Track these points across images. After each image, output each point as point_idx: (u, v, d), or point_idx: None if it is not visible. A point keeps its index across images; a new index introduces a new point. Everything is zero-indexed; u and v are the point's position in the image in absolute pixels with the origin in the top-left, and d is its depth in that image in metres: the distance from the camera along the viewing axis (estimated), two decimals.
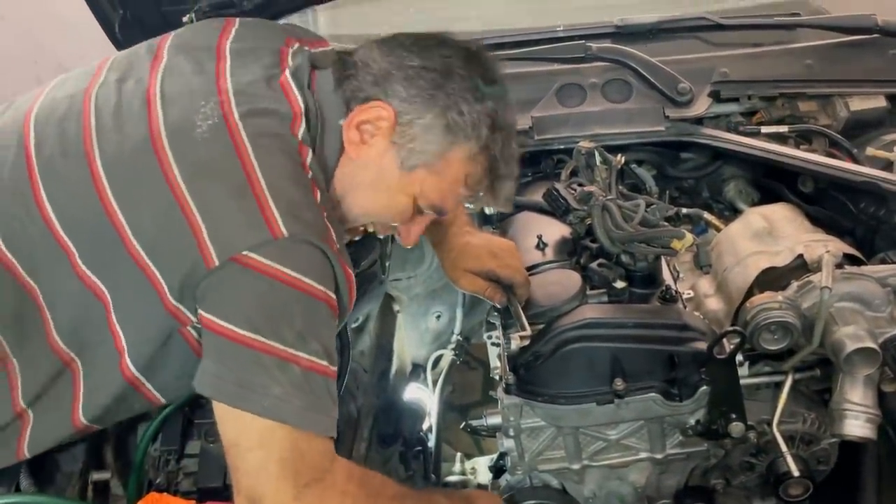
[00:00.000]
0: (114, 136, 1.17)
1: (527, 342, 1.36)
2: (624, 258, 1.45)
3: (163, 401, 1.30)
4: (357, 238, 1.45)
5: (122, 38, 1.67)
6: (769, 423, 1.40)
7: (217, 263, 1.09)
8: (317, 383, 1.13)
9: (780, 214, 1.61)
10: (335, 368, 1.16)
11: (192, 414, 1.45)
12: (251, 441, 1.11)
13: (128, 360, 1.19)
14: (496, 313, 1.54)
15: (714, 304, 1.52)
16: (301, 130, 1.20)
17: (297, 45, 1.35)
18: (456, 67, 1.24)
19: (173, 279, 1.13)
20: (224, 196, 1.11)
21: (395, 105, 1.22)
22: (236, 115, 1.16)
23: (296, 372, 1.10)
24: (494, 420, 1.43)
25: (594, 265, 1.47)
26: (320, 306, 1.13)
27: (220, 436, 1.14)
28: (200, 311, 1.12)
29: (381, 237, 1.81)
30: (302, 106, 1.22)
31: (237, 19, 1.39)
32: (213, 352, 1.12)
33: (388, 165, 1.24)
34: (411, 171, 1.24)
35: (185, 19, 1.57)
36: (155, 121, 1.17)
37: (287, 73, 1.25)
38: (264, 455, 1.10)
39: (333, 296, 1.16)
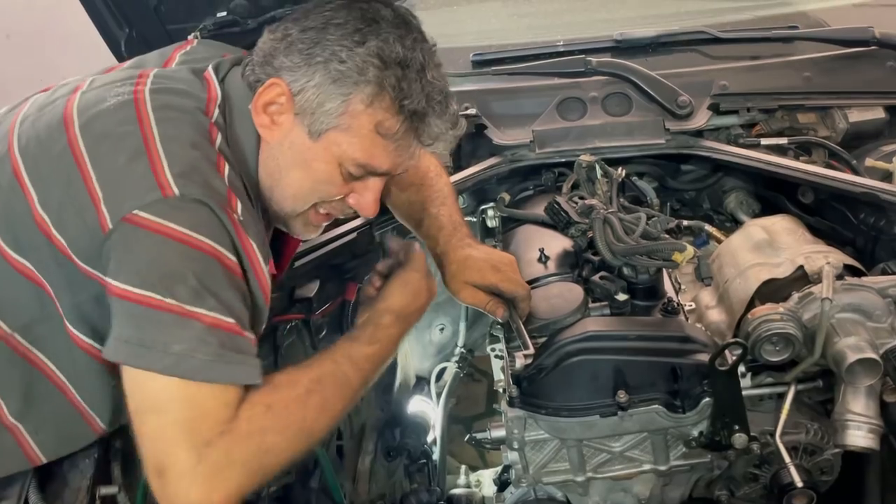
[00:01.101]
0: (33, 119, 1.22)
1: (530, 360, 1.37)
2: (626, 271, 1.46)
3: None
4: (323, 225, 1.40)
5: (127, 56, 1.67)
6: (772, 434, 1.40)
7: (111, 226, 1.09)
8: (222, 337, 1.09)
9: (781, 226, 1.62)
10: (244, 328, 1.12)
11: None
12: (150, 404, 1.08)
13: (71, 328, 1.20)
14: (499, 326, 1.55)
15: (716, 315, 1.53)
16: (215, 114, 1.21)
17: (243, 54, 1.37)
18: (332, 20, 1.22)
19: (79, 246, 1.14)
20: (120, 161, 1.12)
21: (285, 77, 1.22)
22: (147, 91, 1.18)
23: (197, 327, 1.07)
24: (498, 433, 1.44)
25: (596, 278, 1.48)
26: (214, 263, 1.11)
27: (128, 406, 1.11)
28: (105, 277, 1.12)
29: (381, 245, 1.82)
30: (218, 93, 1.24)
31: (200, 40, 1.43)
32: (115, 315, 1.10)
33: (298, 138, 1.23)
34: (321, 136, 1.22)
35: (190, 38, 1.59)
36: (71, 102, 1.20)
37: (210, 66, 1.28)
38: (158, 419, 1.07)
39: (232, 256, 1.13)
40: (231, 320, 1.10)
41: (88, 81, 1.27)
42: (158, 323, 1.07)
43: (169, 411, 1.07)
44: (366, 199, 1.30)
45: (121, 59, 1.69)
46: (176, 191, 1.09)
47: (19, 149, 1.19)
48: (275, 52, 1.24)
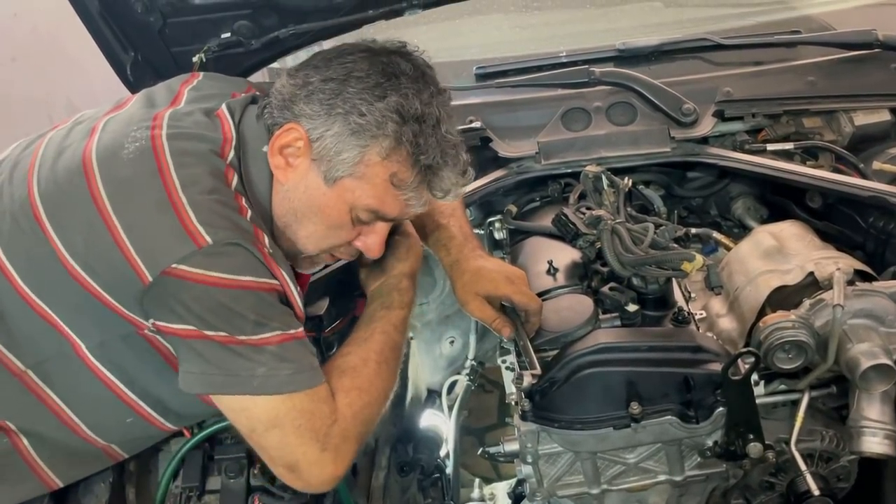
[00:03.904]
0: (51, 163, 1.24)
1: (537, 380, 1.37)
2: (635, 281, 1.46)
3: (164, 421, 1.33)
4: (323, 266, 1.48)
5: (133, 79, 1.69)
6: (787, 442, 1.39)
7: (151, 279, 1.14)
8: (292, 348, 1.21)
9: (790, 232, 1.61)
10: (301, 328, 1.23)
11: (212, 450, 1.46)
12: (263, 423, 1.20)
13: (96, 364, 1.24)
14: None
15: (727, 323, 1.53)
16: (230, 156, 1.25)
17: (252, 92, 1.40)
18: (354, 71, 1.25)
19: (114, 291, 1.18)
20: (146, 212, 1.16)
21: (304, 124, 1.26)
22: (164, 137, 1.21)
23: (271, 349, 1.18)
24: (511, 447, 1.44)
25: (605, 289, 1.47)
26: (264, 295, 1.19)
27: (236, 427, 1.23)
28: (155, 322, 1.18)
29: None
30: (233, 133, 1.27)
31: (203, 73, 1.46)
32: (187, 353, 1.18)
33: (313, 182, 1.27)
34: (336, 182, 1.26)
35: (194, 60, 1.60)
36: (89, 146, 1.23)
37: (224, 106, 1.31)
38: (280, 432, 1.20)
39: (272, 280, 1.21)
40: (293, 330, 1.22)
41: (103, 123, 1.29)
42: (236, 354, 1.17)
43: (284, 424, 1.19)
44: (372, 241, 1.36)
45: (126, 82, 1.71)
46: (208, 239, 1.14)
47: (39, 194, 1.22)
48: (295, 98, 1.27)
